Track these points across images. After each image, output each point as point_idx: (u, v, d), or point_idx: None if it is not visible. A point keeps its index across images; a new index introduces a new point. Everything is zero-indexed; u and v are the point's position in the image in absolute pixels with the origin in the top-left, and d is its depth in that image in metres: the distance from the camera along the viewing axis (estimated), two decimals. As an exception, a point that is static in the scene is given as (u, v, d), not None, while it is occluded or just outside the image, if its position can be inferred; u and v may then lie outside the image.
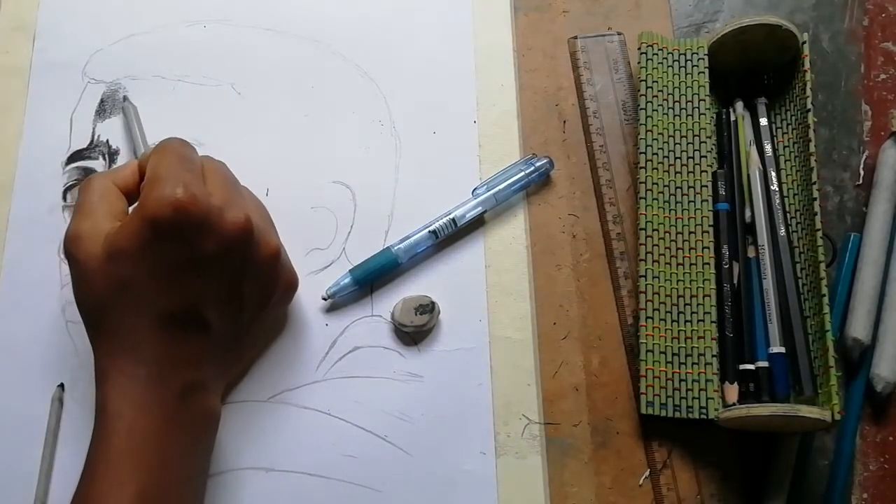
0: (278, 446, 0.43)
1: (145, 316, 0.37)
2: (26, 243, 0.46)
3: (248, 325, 0.41)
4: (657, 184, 0.46)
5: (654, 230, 0.45)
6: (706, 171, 0.46)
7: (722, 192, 0.46)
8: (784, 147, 0.47)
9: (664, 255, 0.45)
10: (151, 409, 0.36)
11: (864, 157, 0.49)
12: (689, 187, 0.46)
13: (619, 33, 0.51)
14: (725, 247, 0.45)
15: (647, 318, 0.44)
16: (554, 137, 0.49)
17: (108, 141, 0.48)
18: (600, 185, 0.48)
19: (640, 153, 0.46)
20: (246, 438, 0.43)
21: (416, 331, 0.44)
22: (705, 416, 0.42)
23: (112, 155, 0.48)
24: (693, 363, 0.43)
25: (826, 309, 0.41)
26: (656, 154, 0.46)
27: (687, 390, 0.43)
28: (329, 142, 0.49)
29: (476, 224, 0.47)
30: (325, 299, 0.45)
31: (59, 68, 0.50)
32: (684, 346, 0.43)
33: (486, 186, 0.47)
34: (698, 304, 0.44)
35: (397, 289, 0.46)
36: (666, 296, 0.44)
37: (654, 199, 0.46)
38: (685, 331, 0.44)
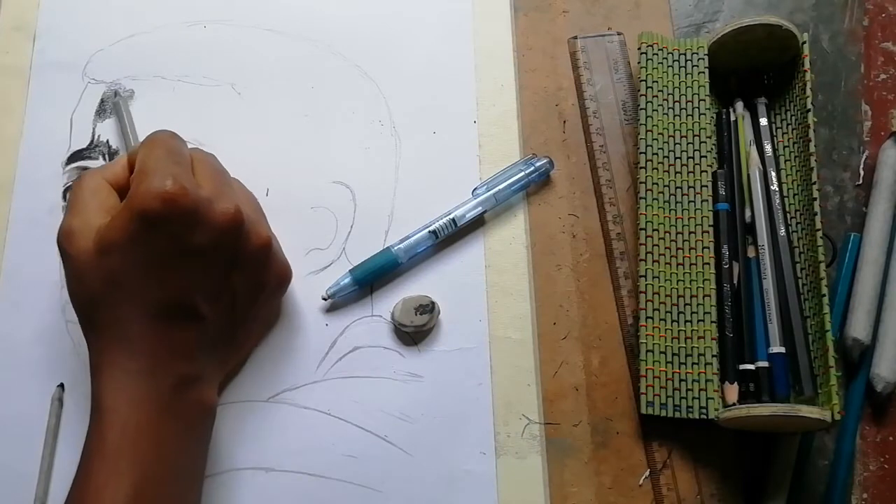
0: (278, 446, 0.43)
1: (138, 309, 0.37)
2: (26, 243, 0.46)
3: (242, 317, 0.41)
4: (657, 184, 0.46)
5: (654, 230, 0.45)
6: (706, 171, 0.46)
7: (722, 192, 0.46)
8: (784, 147, 0.47)
9: (664, 255, 0.45)
10: (146, 402, 0.36)
11: (864, 157, 0.49)
12: (689, 187, 0.46)
13: (619, 33, 0.51)
14: (725, 247, 0.45)
15: (647, 318, 0.44)
16: (554, 137, 0.49)
17: (108, 141, 0.48)
18: (600, 185, 0.48)
19: (640, 153, 0.46)
20: (246, 438, 0.43)
21: (416, 331, 0.44)
22: (705, 416, 0.42)
23: (112, 155, 0.48)
24: (693, 363, 0.43)
25: (826, 309, 0.41)
26: (656, 154, 0.46)
27: (687, 390, 0.43)
28: (329, 142, 0.49)
29: (476, 224, 0.47)
30: (325, 299, 0.45)
31: (59, 68, 0.50)
32: (684, 346, 0.43)
33: (486, 186, 0.47)
34: (698, 304, 0.44)
35: (397, 289, 0.46)
36: (666, 296, 0.44)
37: (654, 199, 0.46)
38: (685, 331, 0.44)
